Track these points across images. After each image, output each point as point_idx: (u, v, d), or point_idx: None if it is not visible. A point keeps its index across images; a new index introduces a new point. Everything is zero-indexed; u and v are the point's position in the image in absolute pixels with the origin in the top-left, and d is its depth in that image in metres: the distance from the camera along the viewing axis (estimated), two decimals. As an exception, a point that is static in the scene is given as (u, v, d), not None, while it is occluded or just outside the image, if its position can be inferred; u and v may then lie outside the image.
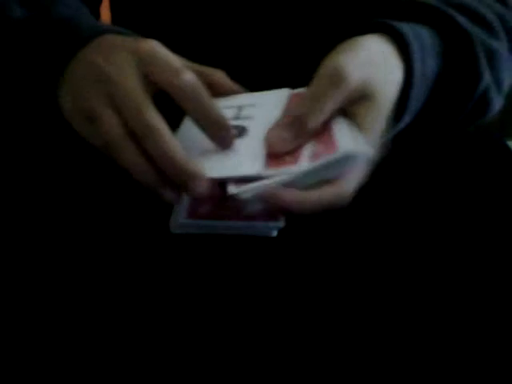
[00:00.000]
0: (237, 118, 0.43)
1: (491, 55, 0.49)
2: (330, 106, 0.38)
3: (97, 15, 0.64)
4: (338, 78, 0.38)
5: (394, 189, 0.56)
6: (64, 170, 0.58)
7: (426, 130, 0.54)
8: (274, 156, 0.39)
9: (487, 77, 0.49)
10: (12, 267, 0.46)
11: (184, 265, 0.47)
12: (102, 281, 0.45)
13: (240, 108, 0.44)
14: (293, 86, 0.45)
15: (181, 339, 0.41)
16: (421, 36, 0.45)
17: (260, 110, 0.44)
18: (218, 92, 0.43)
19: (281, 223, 0.50)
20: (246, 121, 0.43)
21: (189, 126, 0.41)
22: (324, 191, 0.38)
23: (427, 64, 0.45)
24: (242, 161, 0.40)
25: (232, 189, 0.38)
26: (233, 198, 0.38)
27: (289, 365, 0.39)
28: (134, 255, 0.48)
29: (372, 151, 0.38)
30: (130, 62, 0.38)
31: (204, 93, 0.38)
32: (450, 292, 0.45)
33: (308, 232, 0.50)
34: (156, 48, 0.39)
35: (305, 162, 0.38)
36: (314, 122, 0.38)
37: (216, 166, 0.39)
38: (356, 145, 0.38)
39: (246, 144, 0.41)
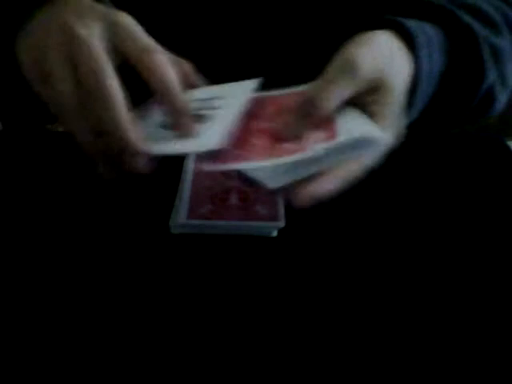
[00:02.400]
0: (203, 108, 0.44)
1: (495, 52, 0.49)
2: (341, 93, 0.39)
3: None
4: (349, 68, 0.39)
5: (394, 188, 0.56)
6: (64, 169, 0.58)
7: (433, 125, 0.54)
8: (272, 145, 0.40)
9: (492, 74, 0.49)
10: (12, 267, 0.46)
11: (184, 265, 0.47)
12: (102, 280, 0.45)
13: (207, 100, 0.45)
14: (299, 84, 0.45)
15: (181, 339, 0.41)
16: (427, 33, 0.46)
17: (226, 101, 0.44)
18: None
19: (281, 223, 0.50)
20: (210, 111, 0.43)
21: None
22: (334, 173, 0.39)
23: (433, 60, 0.45)
24: (197, 140, 0.40)
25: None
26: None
27: (289, 365, 0.39)
28: (134, 255, 0.48)
29: (383, 135, 0.39)
30: (103, 28, 0.39)
31: (172, 77, 0.39)
32: (449, 291, 0.45)
33: (308, 232, 0.50)
34: (132, 23, 0.40)
35: (311, 147, 0.38)
36: (324, 110, 0.39)
37: (169, 143, 0.40)
38: (361, 130, 0.39)
39: (205, 128, 0.41)
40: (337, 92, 0.39)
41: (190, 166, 0.55)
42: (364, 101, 0.41)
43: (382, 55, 0.41)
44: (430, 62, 0.45)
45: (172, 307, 0.43)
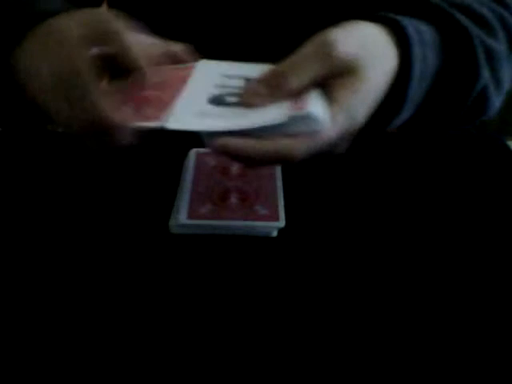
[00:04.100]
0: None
1: (490, 54, 0.49)
2: (311, 72, 0.39)
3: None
4: (324, 48, 0.39)
5: (394, 188, 0.56)
6: (64, 169, 0.58)
7: (427, 125, 0.54)
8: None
9: (486, 75, 0.49)
10: (12, 267, 0.46)
11: (184, 265, 0.47)
12: (102, 280, 0.45)
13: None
14: None
15: (181, 339, 0.41)
16: (421, 31, 0.45)
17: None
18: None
19: (281, 223, 0.50)
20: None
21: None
22: (273, 143, 0.38)
23: (428, 60, 0.45)
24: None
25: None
26: None
27: (289, 365, 0.39)
28: (134, 255, 0.48)
29: (327, 124, 0.38)
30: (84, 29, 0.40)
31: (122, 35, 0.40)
32: (449, 291, 0.45)
33: (308, 232, 0.50)
34: (102, 18, 0.41)
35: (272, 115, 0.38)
36: (293, 84, 0.39)
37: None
38: (320, 111, 0.38)
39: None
40: (309, 70, 0.39)
41: (190, 166, 0.55)
42: (331, 83, 0.40)
43: (362, 43, 0.40)
44: (423, 61, 0.44)
45: (172, 307, 0.43)
